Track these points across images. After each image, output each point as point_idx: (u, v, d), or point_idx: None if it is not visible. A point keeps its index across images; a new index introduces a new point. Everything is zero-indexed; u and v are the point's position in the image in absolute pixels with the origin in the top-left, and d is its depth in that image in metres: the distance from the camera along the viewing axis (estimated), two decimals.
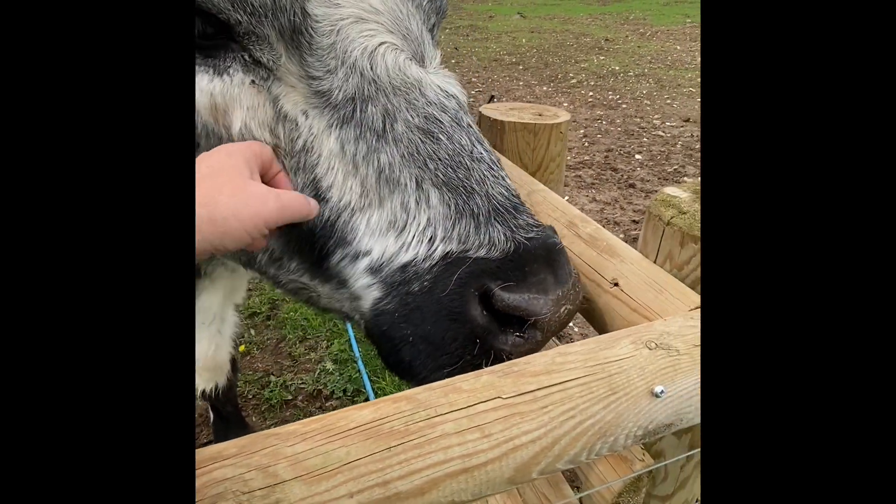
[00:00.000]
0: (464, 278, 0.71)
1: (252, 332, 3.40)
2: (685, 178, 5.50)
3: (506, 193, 0.77)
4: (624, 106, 8.00)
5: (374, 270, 0.76)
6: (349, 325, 2.95)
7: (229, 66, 0.75)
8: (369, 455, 0.55)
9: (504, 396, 0.62)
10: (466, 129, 0.79)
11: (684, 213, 0.92)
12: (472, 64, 11.55)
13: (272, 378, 3.04)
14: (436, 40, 0.92)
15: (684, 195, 0.96)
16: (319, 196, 0.77)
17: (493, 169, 0.78)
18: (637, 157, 6.12)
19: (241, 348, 3.15)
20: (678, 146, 6.32)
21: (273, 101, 0.77)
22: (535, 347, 0.74)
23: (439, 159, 0.75)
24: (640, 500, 0.99)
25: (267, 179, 0.77)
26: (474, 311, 0.71)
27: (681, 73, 9.57)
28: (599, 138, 6.83)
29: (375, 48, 0.75)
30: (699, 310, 0.80)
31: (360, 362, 3.05)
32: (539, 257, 0.74)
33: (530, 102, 1.81)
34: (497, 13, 17.10)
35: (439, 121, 0.77)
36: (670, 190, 0.98)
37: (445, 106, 0.78)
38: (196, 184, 0.64)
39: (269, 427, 2.76)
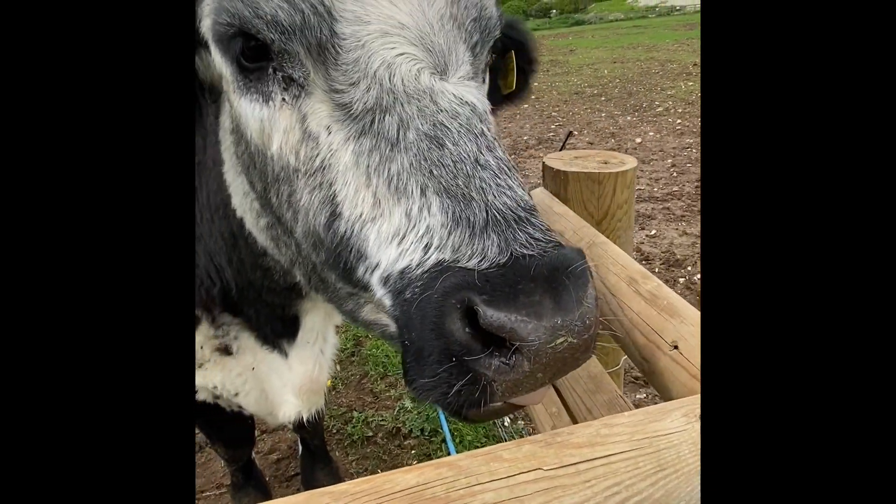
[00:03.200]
0: (447, 288, 0.66)
1: (338, 367, 3.58)
2: None
3: (510, 204, 0.72)
4: None
5: (384, 280, 0.76)
6: None
7: (271, 91, 0.83)
8: None
9: (545, 468, 0.63)
10: (477, 135, 0.77)
11: None
12: (552, 98, 11.58)
13: (355, 414, 3.17)
14: (481, 60, 0.91)
15: None
16: (335, 212, 0.79)
17: (499, 177, 0.74)
18: None
19: (328, 383, 3.33)
20: None
21: (301, 121, 0.82)
22: (522, 379, 0.65)
23: (443, 166, 0.73)
24: None
25: None
26: (452, 325, 0.65)
27: None
28: (689, 167, 6.50)
29: (394, 59, 0.77)
30: None
31: None
32: (538, 276, 0.66)
33: (598, 150, 1.79)
34: (578, 47, 17.10)
35: (447, 127, 0.75)
36: None
37: (457, 112, 0.77)
38: None
39: (351, 463, 2.86)
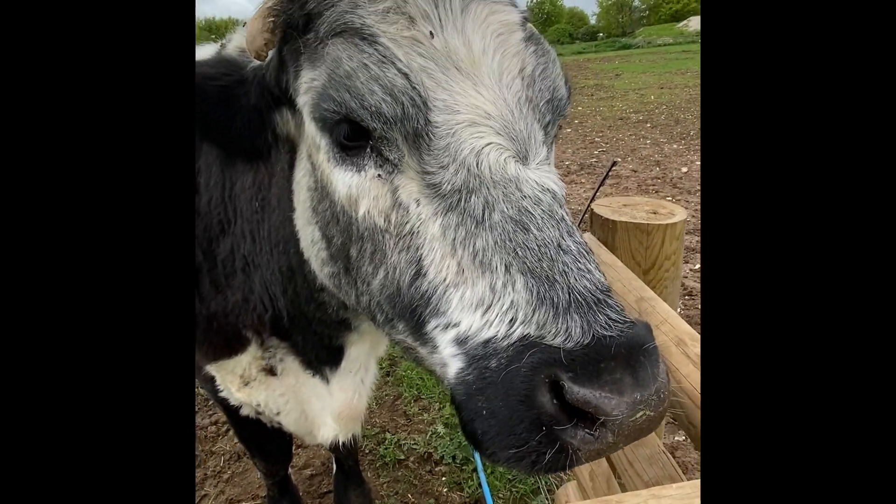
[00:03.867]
0: (535, 363, 0.72)
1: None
2: None
3: (590, 287, 0.78)
4: None
5: (459, 342, 0.82)
6: None
7: (365, 164, 0.92)
8: None
9: None
10: (558, 221, 0.84)
11: None
12: (596, 123, 11.52)
13: (388, 435, 3.21)
14: (550, 136, 1.00)
15: None
16: (420, 272, 0.87)
17: (579, 261, 0.80)
18: None
19: None
20: None
21: (392, 192, 0.91)
22: (606, 448, 0.72)
23: (528, 248, 0.80)
24: None
25: None
26: (542, 398, 0.71)
27: None
28: None
29: (482, 148, 0.85)
30: None
31: None
32: (618, 355, 0.72)
33: (647, 198, 1.79)
34: (624, 71, 16.97)
35: (531, 213, 0.82)
36: None
37: (540, 199, 0.84)
38: None
39: (382, 485, 2.90)
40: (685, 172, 7.70)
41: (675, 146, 9.14)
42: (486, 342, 0.78)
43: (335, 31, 0.92)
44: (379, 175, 0.91)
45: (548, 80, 0.97)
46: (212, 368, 1.77)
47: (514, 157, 0.87)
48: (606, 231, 1.51)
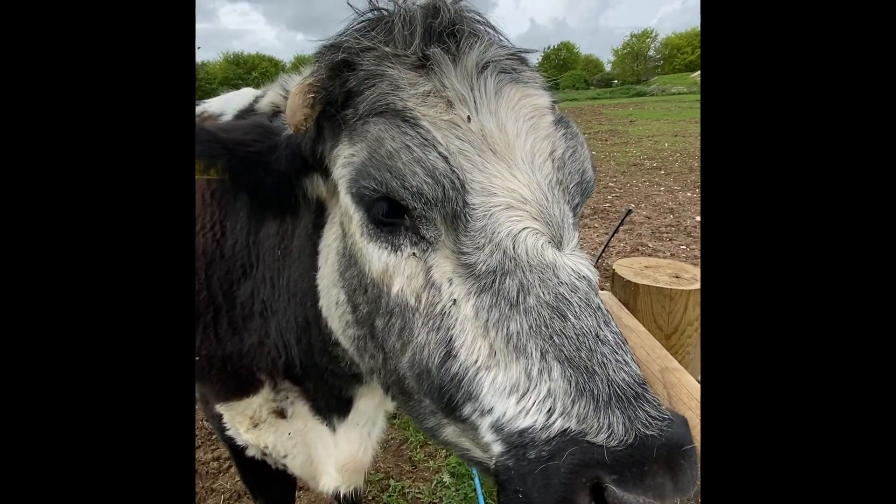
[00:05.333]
0: (577, 464, 0.71)
1: None
2: None
3: (629, 379, 0.77)
4: None
5: (496, 428, 0.81)
6: None
7: (402, 244, 0.93)
8: None
9: None
10: (595, 310, 0.83)
11: None
12: (609, 168, 11.63)
13: (392, 482, 3.13)
14: (577, 217, 1.01)
15: None
16: (451, 353, 0.86)
17: (617, 353, 0.79)
18: None
19: None
20: None
21: (426, 271, 0.91)
22: None
23: (565, 336, 0.79)
24: None
25: None
26: (581, 501, 0.70)
27: None
28: None
29: (519, 232, 0.86)
30: None
31: (476, 481, 3.00)
32: (661, 457, 0.71)
33: (669, 260, 1.80)
34: (638, 118, 17.24)
35: (568, 300, 0.82)
36: None
37: (576, 286, 0.84)
38: None
39: None
40: (699, 221, 7.68)
41: (689, 194, 9.17)
42: (523, 431, 0.77)
43: (376, 110, 0.94)
44: (414, 254, 0.92)
45: (577, 162, 0.99)
46: (221, 408, 1.76)
47: (550, 242, 0.87)
48: (628, 293, 1.50)
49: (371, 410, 1.78)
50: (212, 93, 2.45)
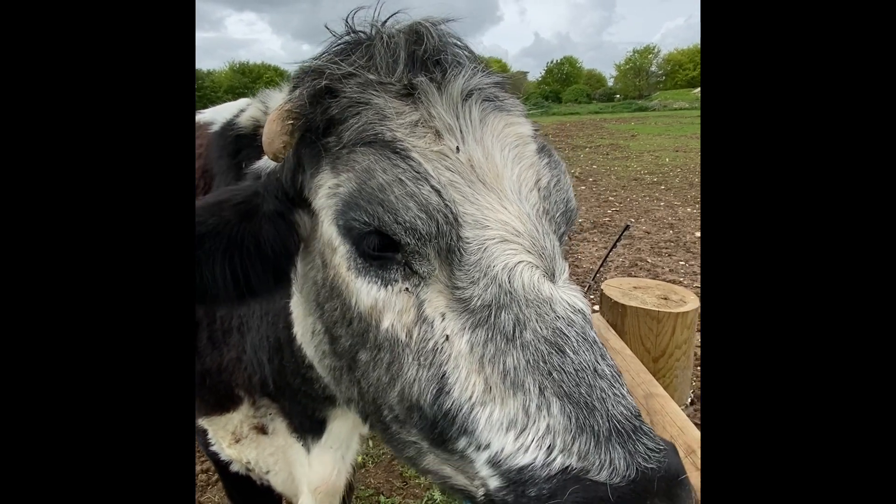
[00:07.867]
0: (580, 503, 0.71)
1: (370, 443, 3.53)
2: None
3: (626, 413, 0.77)
4: None
5: (493, 464, 0.79)
6: None
7: (393, 279, 0.90)
8: None
9: None
10: (591, 343, 0.82)
11: None
12: (610, 182, 11.64)
13: (382, 498, 3.08)
14: (564, 247, 1.00)
15: None
16: (444, 389, 0.84)
17: (614, 386, 0.79)
18: None
19: (358, 459, 3.28)
20: None
21: (418, 306, 0.89)
22: None
23: (564, 372, 0.78)
24: None
25: None
26: None
27: None
28: None
29: (515, 265, 0.84)
30: None
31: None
32: (661, 490, 0.71)
33: (658, 281, 1.78)
34: (640, 132, 17.31)
35: (566, 335, 0.81)
36: None
37: (573, 321, 0.83)
38: None
39: None
40: (699, 237, 7.67)
41: (689, 210, 9.16)
42: (523, 469, 0.76)
43: (364, 140, 0.91)
44: (406, 289, 0.90)
45: (562, 192, 0.98)
46: (203, 422, 1.75)
47: (545, 276, 0.86)
48: (616, 314, 1.49)
49: (345, 433, 1.76)
50: (217, 101, 2.46)
